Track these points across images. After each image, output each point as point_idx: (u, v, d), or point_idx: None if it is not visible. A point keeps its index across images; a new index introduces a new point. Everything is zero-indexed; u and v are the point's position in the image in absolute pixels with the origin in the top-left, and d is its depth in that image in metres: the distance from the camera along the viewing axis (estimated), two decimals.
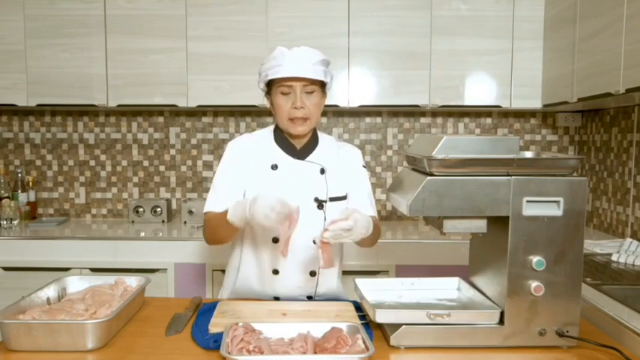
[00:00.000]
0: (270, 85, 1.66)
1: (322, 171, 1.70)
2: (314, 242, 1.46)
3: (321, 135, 1.79)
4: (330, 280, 1.75)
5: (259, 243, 1.70)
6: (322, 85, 1.67)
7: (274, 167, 1.68)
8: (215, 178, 1.73)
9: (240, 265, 1.75)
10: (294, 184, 1.67)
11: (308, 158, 1.71)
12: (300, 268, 1.69)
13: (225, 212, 1.54)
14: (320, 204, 1.68)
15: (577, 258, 1.31)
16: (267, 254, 1.69)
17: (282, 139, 1.71)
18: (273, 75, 1.60)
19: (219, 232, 1.63)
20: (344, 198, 1.73)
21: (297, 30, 2.90)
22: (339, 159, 1.76)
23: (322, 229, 1.47)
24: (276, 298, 1.71)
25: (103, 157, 3.39)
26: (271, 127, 1.77)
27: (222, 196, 1.67)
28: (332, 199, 1.70)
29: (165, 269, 2.75)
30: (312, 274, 1.70)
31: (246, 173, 1.68)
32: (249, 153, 1.71)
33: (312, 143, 1.73)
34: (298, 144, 1.72)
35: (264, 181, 1.67)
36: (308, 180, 1.68)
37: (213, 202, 1.69)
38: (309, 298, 1.73)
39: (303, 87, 1.61)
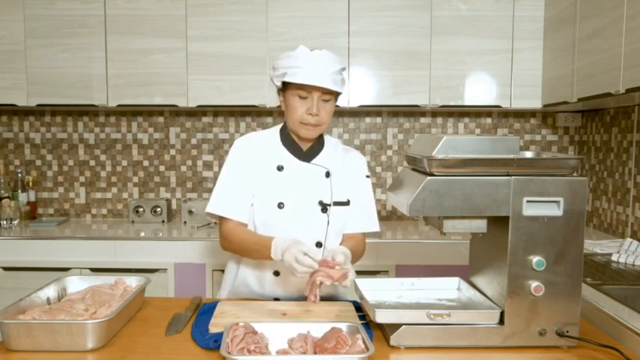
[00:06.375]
0: (286, 84, 1.63)
1: (327, 174, 1.70)
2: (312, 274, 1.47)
3: (327, 138, 1.78)
4: (331, 284, 1.74)
5: None
6: (337, 94, 1.67)
7: (280, 168, 1.68)
8: (222, 177, 1.70)
9: (240, 264, 1.75)
10: (299, 186, 1.67)
11: (314, 161, 1.71)
12: None
13: (265, 241, 1.55)
14: (324, 207, 1.68)
15: (577, 258, 1.31)
16: None
17: (289, 140, 1.71)
18: (293, 77, 1.58)
19: (251, 255, 1.64)
20: (347, 204, 1.73)
21: (297, 30, 2.90)
22: (344, 165, 1.76)
23: (316, 269, 1.45)
24: (276, 300, 1.71)
25: (103, 157, 3.39)
26: (278, 127, 1.76)
27: (231, 200, 1.67)
28: (336, 204, 1.70)
29: (166, 269, 2.75)
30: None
31: (253, 174, 1.68)
32: (256, 152, 1.70)
33: (318, 146, 1.73)
34: (304, 146, 1.71)
35: (269, 182, 1.67)
36: (313, 182, 1.68)
37: (221, 205, 1.67)
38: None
39: (321, 95, 1.61)
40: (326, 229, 1.68)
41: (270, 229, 1.64)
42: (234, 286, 1.76)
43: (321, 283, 1.44)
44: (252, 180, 1.68)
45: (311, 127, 1.63)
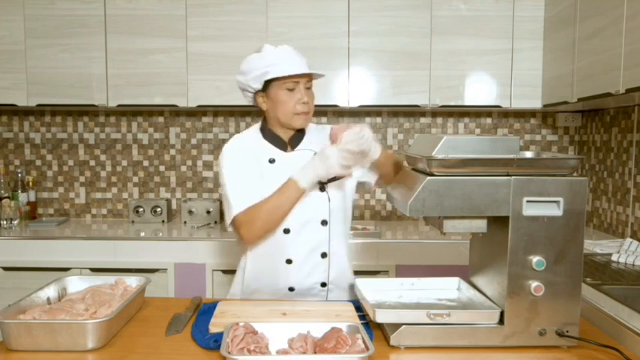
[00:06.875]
0: (269, 82, 1.67)
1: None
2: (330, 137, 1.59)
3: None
4: (340, 261, 1.76)
5: (270, 237, 1.70)
6: (316, 78, 1.74)
7: (272, 161, 1.72)
8: (227, 184, 1.70)
9: (248, 259, 1.76)
10: (293, 172, 1.68)
11: (299, 147, 1.75)
12: (311, 251, 1.71)
13: (284, 186, 1.59)
14: (322, 186, 1.71)
15: (577, 258, 1.31)
16: (280, 245, 1.71)
17: (271, 135, 1.75)
18: (279, 72, 1.63)
19: (279, 211, 1.62)
20: (343, 175, 1.74)
21: (297, 30, 2.90)
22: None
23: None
24: (291, 289, 1.72)
25: (103, 157, 3.39)
26: (257, 127, 1.81)
27: (246, 194, 1.66)
28: (331, 180, 1.72)
29: (166, 269, 2.75)
30: (324, 255, 1.72)
31: (251, 167, 1.70)
32: (247, 149, 1.74)
33: (300, 135, 1.76)
34: (286, 137, 1.75)
35: (265, 174, 1.69)
36: None
37: (241, 202, 1.65)
38: (323, 285, 1.74)
39: (306, 82, 1.68)
40: (328, 207, 1.71)
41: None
42: (246, 281, 1.77)
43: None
44: (252, 172, 1.70)
45: (304, 115, 1.69)
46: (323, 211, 1.71)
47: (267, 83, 1.67)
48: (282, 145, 1.74)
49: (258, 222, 1.62)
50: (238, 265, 1.84)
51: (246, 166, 1.70)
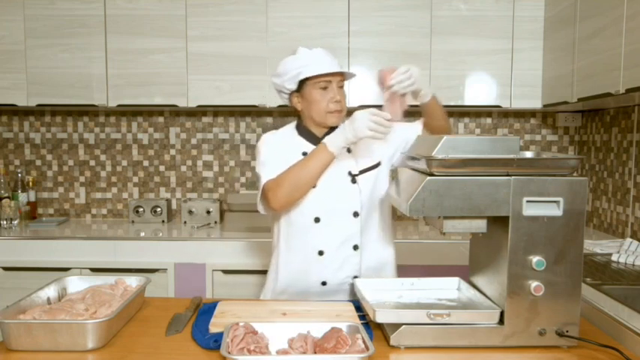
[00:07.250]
0: (303, 83, 1.72)
1: (348, 150, 1.77)
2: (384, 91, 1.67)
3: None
4: (374, 255, 1.79)
5: (301, 227, 1.74)
6: (349, 78, 1.80)
7: (305, 154, 1.75)
8: (262, 163, 1.75)
9: (284, 254, 1.78)
10: None
11: None
12: (343, 243, 1.73)
13: (314, 151, 1.63)
14: (353, 178, 1.75)
15: (577, 258, 1.31)
16: (311, 235, 1.73)
17: (306, 131, 1.80)
18: (313, 72, 1.68)
19: (309, 175, 1.64)
20: (376, 166, 1.79)
21: (297, 30, 2.90)
22: None
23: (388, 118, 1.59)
24: (323, 284, 1.74)
25: (103, 157, 3.39)
26: (292, 125, 1.85)
27: (278, 169, 1.69)
28: (362, 172, 1.76)
29: (166, 269, 2.75)
30: (355, 248, 1.74)
31: (285, 157, 1.73)
32: (282, 141, 1.80)
33: (332, 131, 1.77)
34: (320, 134, 1.78)
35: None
36: (337, 160, 1.71)
37: (271, 173, 1.70)
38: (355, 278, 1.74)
39: (338, 82, 1.74)
40: (360, 199, 1.74)
41: (305, 206, 1.71)
42: (278, 278, 1.79)
43: (390, 88, 1.62)
44: (286, 159, 1.72)
45: (337, 113, 1.74)
46: (354, 203, 1.73)
47: (302, 83, 1.72)
48: (315, 141, 1.77)
49: (285, 185, 1.65)
50: (269, 268, 1.87)
51: (280, 154, 1.75)
